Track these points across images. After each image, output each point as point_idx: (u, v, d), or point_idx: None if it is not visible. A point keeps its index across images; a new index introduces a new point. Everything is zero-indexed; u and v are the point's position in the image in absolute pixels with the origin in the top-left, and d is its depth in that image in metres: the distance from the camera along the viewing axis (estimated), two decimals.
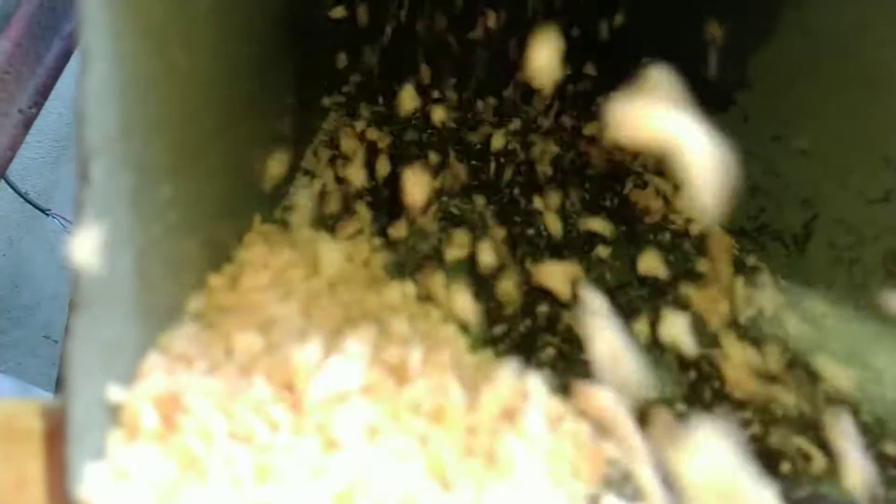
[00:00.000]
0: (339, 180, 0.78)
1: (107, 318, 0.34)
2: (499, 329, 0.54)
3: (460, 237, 0.64)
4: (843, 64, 0.59)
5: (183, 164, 0.42)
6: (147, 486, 0.33)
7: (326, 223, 0.64)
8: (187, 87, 0.43)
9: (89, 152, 0.32)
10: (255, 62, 0.58)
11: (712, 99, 0.77)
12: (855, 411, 0.48)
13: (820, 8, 0.62)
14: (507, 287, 0.57)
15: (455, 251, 0.61)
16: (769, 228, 0.68)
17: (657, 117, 0.38)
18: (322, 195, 0.71)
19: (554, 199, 0.73)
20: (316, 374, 0.39)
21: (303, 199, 0.69)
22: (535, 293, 0.58)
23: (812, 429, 0.48)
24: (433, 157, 0.89)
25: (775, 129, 0.68)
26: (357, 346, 0.41)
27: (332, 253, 0.51)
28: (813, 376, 0.52)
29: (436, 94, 1.05)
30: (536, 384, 0.43)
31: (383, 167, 0.80)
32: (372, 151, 0.88)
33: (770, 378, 0.53)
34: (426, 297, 0.52)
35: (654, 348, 0.54)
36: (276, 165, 0.69)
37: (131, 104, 0.35)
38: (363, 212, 0.66)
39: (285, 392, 0.39)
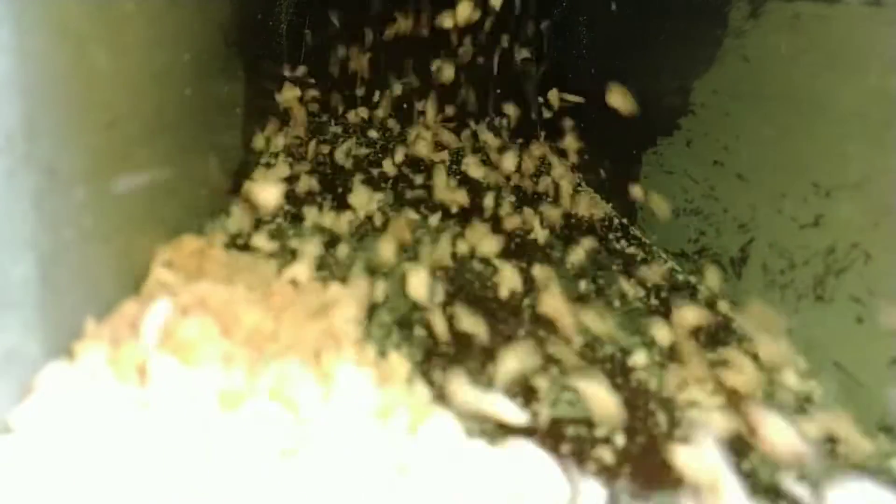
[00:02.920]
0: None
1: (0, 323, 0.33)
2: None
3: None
4: (778, 90, 0.60)
5: (102, 169, 0.41)
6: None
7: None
8: (110, 91, 0.41)
9: None
10: (194, 70, 0.57)
11: (660, 124, 0.79)
12: None
13: (759, 36, 0.63)
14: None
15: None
16: (708, 252, 0.69)
17: None
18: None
19: None
20: None
21: (238, 213, 0.68)
22: None
23: None
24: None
25: (715, 154, 0.69)
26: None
27: (254, 274, 0.50)
28: None
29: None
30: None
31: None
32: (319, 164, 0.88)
33: None
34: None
35: None
36: (216, 176, 0.68)
37: (39, 103, 0.34)
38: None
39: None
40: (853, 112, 0.52)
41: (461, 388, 0.45)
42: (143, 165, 0.47)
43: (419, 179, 0.88)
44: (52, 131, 0.35)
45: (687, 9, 0.76)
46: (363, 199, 0.76)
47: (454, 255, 0.68)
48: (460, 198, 0.81)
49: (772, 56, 0.61)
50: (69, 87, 0.37)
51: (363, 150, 0.97)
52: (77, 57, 0.37)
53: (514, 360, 0.48)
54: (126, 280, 0.45)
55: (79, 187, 0.38)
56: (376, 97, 1.10)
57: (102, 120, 0.41)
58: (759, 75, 0.63)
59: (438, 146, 1.01)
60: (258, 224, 0.68)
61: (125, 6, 0.42)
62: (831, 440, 0.46)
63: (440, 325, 0.53)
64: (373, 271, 0.62)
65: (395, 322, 0.54)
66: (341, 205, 0.77)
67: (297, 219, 0.72)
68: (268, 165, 0.84)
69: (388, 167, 0.91)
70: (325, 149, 0.94)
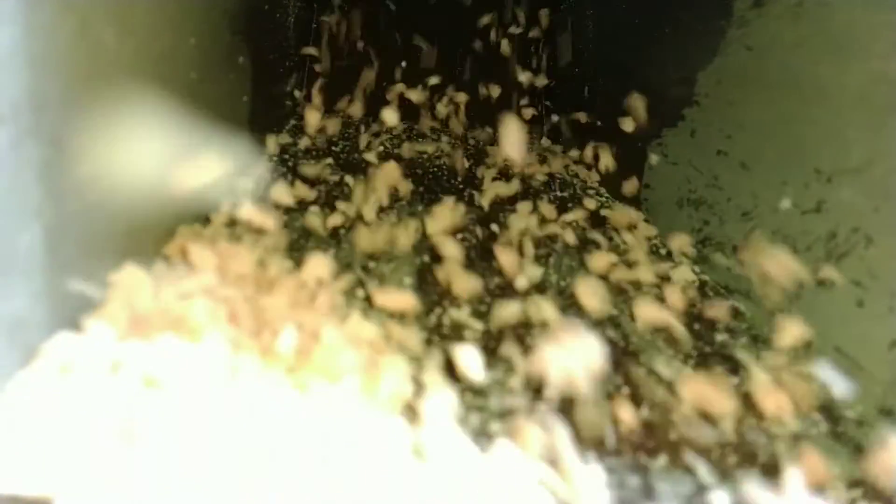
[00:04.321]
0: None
1: (7, 289, 0.33)
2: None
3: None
4: (781, 78, 0.60)
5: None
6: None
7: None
8: (115, 69, 0.42)
9: None
10: (199, 55, 0.57)
11: (665, 115, 0.79)
12: None
13: (762, 25, 0.64)
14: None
15: None
16: (712, 241, 0.69)
17: None
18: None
19: None
20: None
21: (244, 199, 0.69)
22: None
23: None
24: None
25: (719, 144, 0.69)
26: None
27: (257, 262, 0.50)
28: None
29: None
30: None
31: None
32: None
33: None
34: None
35: None
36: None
37: (45, 75, 0.34)
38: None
39: None
40: (855, 97, 0.52)
41: None
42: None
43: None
44: (58, 105, 0.36)
45: (691, 1, 0.76)
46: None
47: None
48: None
49: (775, 44, 0.62)
50: (74, 62, 0.37)
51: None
52: (82, 32, 0.38)
53: None
54: (132, 258, 0.45)
55: (84, 162, 0.39)
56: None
57: (108, 96, 0.41)
58: (762, 64, 0.63)
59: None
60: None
61: None
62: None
63: None
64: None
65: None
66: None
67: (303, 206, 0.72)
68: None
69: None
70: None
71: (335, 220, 0.68)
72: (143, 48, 0.46)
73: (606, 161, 0.87)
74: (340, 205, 0.71)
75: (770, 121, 0.61)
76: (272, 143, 0.87)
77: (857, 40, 0.52)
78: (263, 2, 0.83)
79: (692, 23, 0.76)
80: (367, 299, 0.54)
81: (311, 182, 0.78)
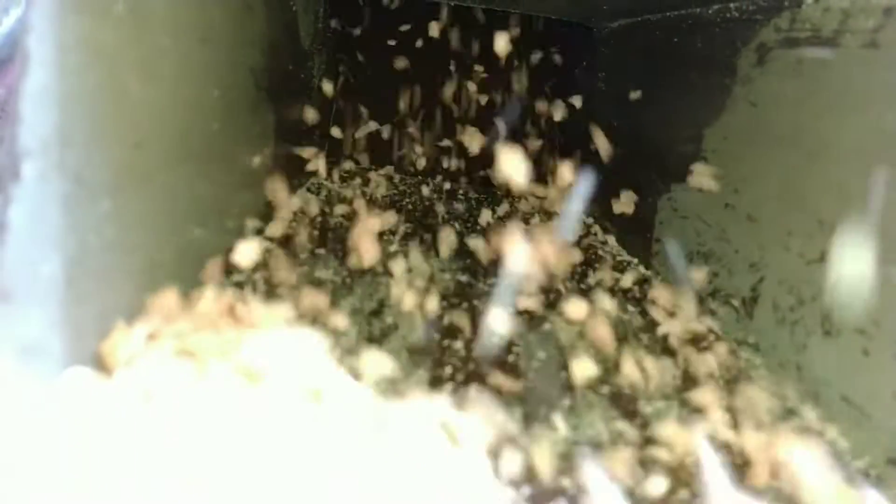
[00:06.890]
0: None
1: (24, 316, 0.35)
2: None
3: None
4: (785, 132, 0.61)
5: (127, 183, 0.44)
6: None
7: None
8: (138, 113, 0.45)
9: (23, 152, 0.34)
10: (222, 106, 0.60)
11: (674, 171, 0.80)
12: None
13: (765, 83, 0.65)
14: None
15: None
16: (721, 293, 0.69)
17: None
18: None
19: None
20: None
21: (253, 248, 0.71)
22: None
23: None
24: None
25: (727, 197, 0.70)
26: None
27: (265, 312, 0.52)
28: None
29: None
30: None
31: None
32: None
33: None
34: None
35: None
36: (241, 208, 0.71)
37: (72, 115, 0.37)
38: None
39: None
40: (854, 150, 0.53)
41: None
42: (167, 189, 0.49)
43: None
44: (83, 143, 0.38)
45: (698, 61, 0.79)
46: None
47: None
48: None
49: (778, 100, 0.63)
50: (101, 105, 0.40)
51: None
52: (110, 78, 0.41)
53: None
54: (151, 292, 0.47)
55: (104, 199, 0.41)
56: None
57: (130, 139, 0.44)
58: (766, 119, 0.65)
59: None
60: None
61: (160, 40, 0.46)
62: None
63: None
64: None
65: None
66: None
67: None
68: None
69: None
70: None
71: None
72: (167, 97, 0.49)
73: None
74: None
75: (774, 174, 0.62)
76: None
77: (855, 96, 0.53)
78: (288, 62, 0.87)
79: (698, 82, 0.79)
80: None
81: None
